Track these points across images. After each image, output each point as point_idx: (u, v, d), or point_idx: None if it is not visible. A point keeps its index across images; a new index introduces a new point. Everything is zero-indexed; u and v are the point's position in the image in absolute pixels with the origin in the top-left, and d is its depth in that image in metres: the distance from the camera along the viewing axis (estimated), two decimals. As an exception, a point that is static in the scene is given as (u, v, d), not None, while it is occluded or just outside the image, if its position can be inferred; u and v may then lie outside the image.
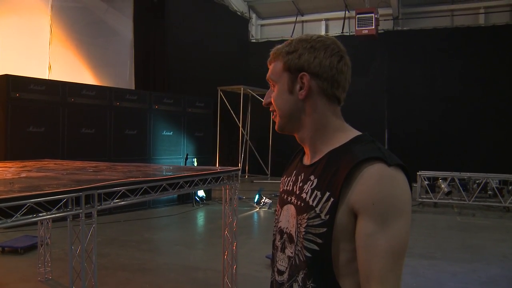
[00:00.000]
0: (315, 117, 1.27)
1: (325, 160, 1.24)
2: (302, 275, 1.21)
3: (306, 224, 1.20)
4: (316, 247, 1.17)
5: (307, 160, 1.32)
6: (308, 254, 1.19)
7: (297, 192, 1.29)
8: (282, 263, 1.31)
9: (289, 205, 1.31)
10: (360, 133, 1.27)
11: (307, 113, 1.27)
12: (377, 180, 1.11)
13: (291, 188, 1.33)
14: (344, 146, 1.23)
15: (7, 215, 2.45)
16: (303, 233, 1.20)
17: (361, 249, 1.11)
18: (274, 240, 1.38)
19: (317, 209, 1.18)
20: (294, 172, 1.37)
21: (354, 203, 1.12)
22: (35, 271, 5.13)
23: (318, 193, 1.19)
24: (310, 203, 1.21)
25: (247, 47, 17.32)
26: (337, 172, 1.16)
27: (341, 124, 1.28)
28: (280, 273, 1.31)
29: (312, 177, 1.25)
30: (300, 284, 1.22)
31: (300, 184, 1.28)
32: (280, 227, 1.34)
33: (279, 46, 1.31)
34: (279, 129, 1.34)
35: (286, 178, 1.41)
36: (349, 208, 1.13)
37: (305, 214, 1.21)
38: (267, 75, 1.32)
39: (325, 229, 1.15)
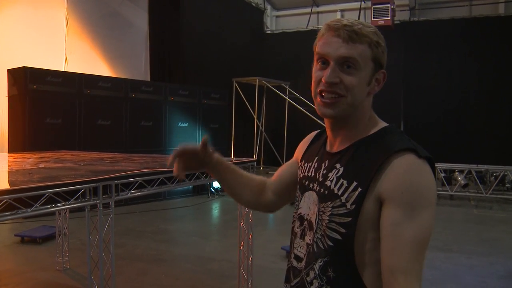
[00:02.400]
0: (366, 110, 1.27)
1: (353, 149, 1.22)
2: (321, 263, 1.20)
3: (330, 212, 1.19)
4: (338, 237, 1.17)
5: (331, 147, 1.30)
6: (330, 243, 1.18)
7: (320, 179, 1.27)
8: (300, 250, 1.30)
9: (310, 191, 1.30)
10: (387, 124, 1.27)
11: (363, 106, 1.25)
12: (407, 170, 1.11)
13: (313, 174, 1.32)
14: (373, 136, 1.23)
15: (27, 204, 2.49)
16: (327, 221, 1.20)
17: (386, 238, 1.10)
18: (293, 226, 1.37)
19: (343, 198, 1.17)
20: (316, 158, 1.34)
21: (383, 192, 1.12)
22: (53, 260, 5.21)
23: (345, 182, 1.18)
24: (335, 191, 1.20)
25: (262, 39, 17.24)
26: (367, 162, 1.16)
27: (373, 114, 1.28)
28: (299, 259, 1.30)
29: (338, 165, 1.23)
30: (317, 272, 1.21)
31: (324, 172, 1.27)
32: (300, 213, 1.33)
33: (365, 28, 1.20)
34: (339, 113, 1.22)
35: (306, 164, 1.39)
36: (376, 197, 1.12)
37: (329, 202, 1.20)
38: (348, 53, 1.18)
39: (350, 219, 1.15)
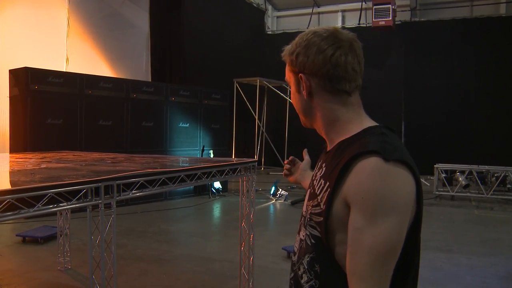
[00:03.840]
0: (324, 112, 1.27)
1: (334, 150, 1.25)
2: (308, 259, 1.24)
3: (310, 211, 1.23)
4: (318, 234, 1.19)
5: (327, 147, 1.34)
6: (312, 240, 1.22)
7: (313, 178, 1.32)
8: (296, 244, 1.35)
9: (309, 189, 1.34)
10: (374, 124, 1.24)
11: (316, 110, 1.28)
12: (368, 175, 1.07)
13: (314, 172, 1.36)
14: (352, 137, 1.21)
15: (29, 204, 2.49)
16: (308, 219, 1.24)
17: (349, 241, 1.09)
18: None
19: (319, 198, 1.20)
20: (319, 158, 1.40)
21: (346, 195, 1.10)
22: (55, 260, 5.22)
23: (322, 181, 1.21)
24: (316, 190, 1.23)
25: (263, 39, 17.27)
26: (338, 163, 1.16)
27: (354, 115, 1.25)
28: (294, 254, 1.35)
29: (323, 165, 1.27)
30: (306, 267, 1.24)
31: (317, 171, 1.32)
32: (302, 210, 1.37)
33: (288, 46, 1.32)
34: (302, 125, 1.38)
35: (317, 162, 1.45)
36: (343, 199, 1.11)
37: (311, 201, 1.24)
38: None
39: (321, 218, 1.17)
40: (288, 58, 1.29)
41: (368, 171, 1.07)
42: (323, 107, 1.26)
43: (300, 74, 1.25)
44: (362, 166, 1.09)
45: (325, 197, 1.16)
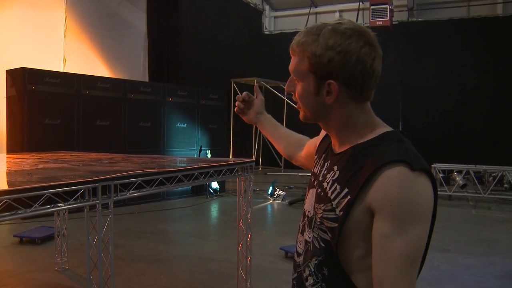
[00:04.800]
0: (342, 117, 1.22)
1: (349, 154, 1.21)
2: (316, 262, 1.22)
3: (321, 215, 1.20)
4: (328, 239, 1.18)
5: (334, 147, 1.30)
6: (322, 244, 1.20)
7: (320, 179, 1.28)
8: (300, 245, 1.32)
9: (313, 189, 1.31)
10: (390, 129, 1.23)
11: (334, 114, 1.22)
12: (397, 183, 1.07)
13: (318, 172, 1.33)
14: (369, 142, 1.19)
15: (26, 205, 2.49)
16: (318, 223, 1.21)
17: (376, 250, 1.09)
18: (300, 221, 1.39)
19: (334, 203, 1.17)
20: (324, 155, 1.35)
21: (373, 203, 1.09)
22: (52, 261, 5.21)
23: (338, 187, 1.18)
24: (329, 194, 1.20)
25: (260, 39, 17.27)
26: (359, 170, 1.14)
27: (369, 119, 1.23)
28: (298, 254, 1.33)
29: (335, 168, 1.23)
30: (312, 270, 1.23)
31: (325, 172, 1.27)
32: (304, 209, 1.35)
33: (304, 38, 1.20)
34: (303, 119, 1.29)
35: (317, 159, 1.40)
36: (366, 207, 1.11)
37: (322, 205, 1.21)
38: (290, 67, 1.24)
39: (336, 225, 1.15)
40: (310, 57, 1.17)
41: (395, 180, 1.07)
42: (342, 113, 1.21)
43: (330, 81, 1.16)
44: (388, 174, 1.08)
45: (343, 203, 1.14)
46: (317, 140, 1.54)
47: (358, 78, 1.16)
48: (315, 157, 1.44)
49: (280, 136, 1.83)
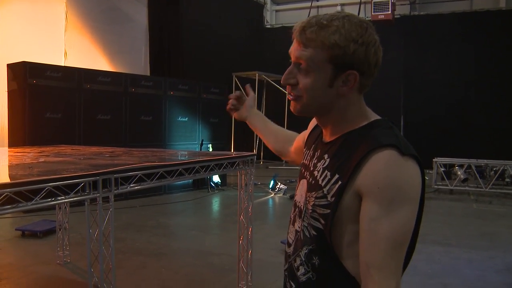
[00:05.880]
0: (345, 107, 1.22)
1: (340, 141, 1.22)
2: (306, 251, 1.23)
3: (313, 202, 1.22)
4: (320, 226, 1.19)
5: (324, 137, 1.31)
6: (314, 232, 1.21)
7: (311, 168, 1.29)
8: (291, 236, 1.34)
9: (303, 179, 1.32)
10: (378, 117, 1.25)
11: (339, 104, 1.22)
12: (385, 165, 1.08)
13: (308, 162, 1.34)
14: (361, 129, 1.21)
15: (27, 198, 2.49)
16: (310, 211, 1.22)
17: (364, 233, 1.10)
18: (291, 212, 1.40)
19: (325, 190, 1.18)
20: (313, 146, 1.36)
21: (360, 186, 1.11)
22: (54, 254, 5.23)
23: (328, 173, 1.19)
24: (320, 182, 1.21)
25: (262, 33, 17.22)
26: (350, 156, 1.15)
27: (363, 108, 1.25)
28: (289, 245, 1.34)
29: (325, 156, 1.24)
30: (303, 259, 1.24)
31: (315, 161, 1.29)
32: (295, 200, 1.36)
33: (319, 31, 1.15)
34: (299, 112, 1.26)
35: (306, 150, 1.41)
36: (355, 191, 1.12)
37: (313, 193, 1.22)
38: (297, 59, 1.20)
39: (328, 211, 1.16)
40: (329, 48, 1.14)
41: (384, 163, 1.09)
42: (348, 103, 1.22)
43: (350, 71, 1.16)
44: (377, 158, 1.10)
45: (334, 189, 1.15)
46: (305, 133, 1.55)
47: (372, 68, 1.20)
48: (304, 149, 1.45)
49: (270, 132, 1.85)
